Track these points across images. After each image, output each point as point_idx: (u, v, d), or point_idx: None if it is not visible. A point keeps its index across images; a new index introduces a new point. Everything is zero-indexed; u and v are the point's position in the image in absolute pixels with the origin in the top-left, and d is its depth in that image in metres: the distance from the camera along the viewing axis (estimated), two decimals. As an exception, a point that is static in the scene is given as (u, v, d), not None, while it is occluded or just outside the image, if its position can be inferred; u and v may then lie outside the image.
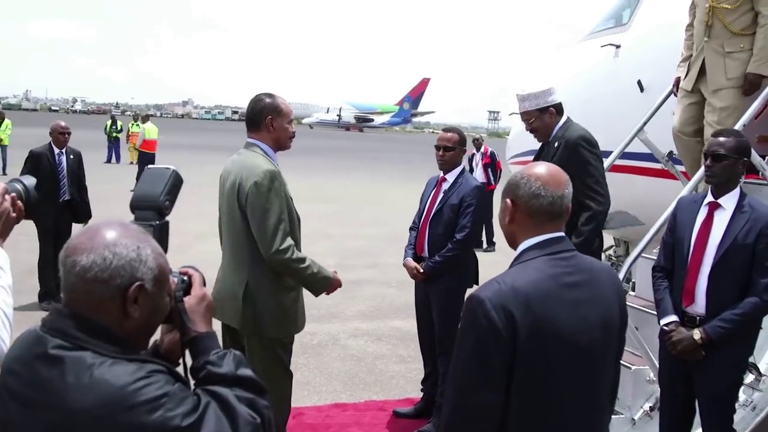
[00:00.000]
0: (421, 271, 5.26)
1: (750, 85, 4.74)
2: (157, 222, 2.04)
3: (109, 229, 1.66)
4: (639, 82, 6.04)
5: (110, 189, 15.76)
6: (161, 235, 1.99)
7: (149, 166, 2.33)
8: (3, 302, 2.14)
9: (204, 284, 1.89)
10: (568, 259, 2.20)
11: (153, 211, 2.06)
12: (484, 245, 12.91)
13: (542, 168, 2.25)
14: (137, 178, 19.23)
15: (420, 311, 5.51)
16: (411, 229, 5.54)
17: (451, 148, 5.30)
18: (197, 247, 11.01)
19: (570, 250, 2.24)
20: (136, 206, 2.09)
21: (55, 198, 8.01)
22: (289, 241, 3.79)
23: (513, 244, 2.28)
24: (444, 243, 5.18)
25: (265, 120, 3.91)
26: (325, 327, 7.72)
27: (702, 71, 4.95)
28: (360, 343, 7.37)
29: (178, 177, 2.17)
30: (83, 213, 8.28)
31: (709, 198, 3.87)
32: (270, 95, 3.98)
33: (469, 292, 5.35)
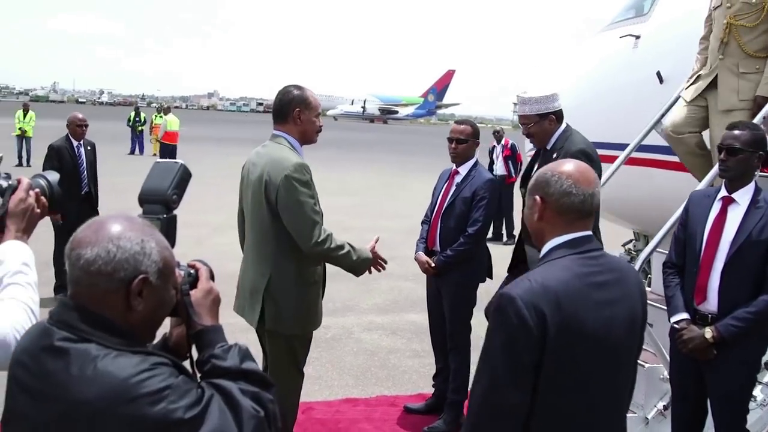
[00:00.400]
0: (433, 265, 5.19)
1: (758, 108, 4.53)
2: (165, 215, 2.05)
3: (114, 222, 1.66)
4: (658, 74, 5.91)
5: (130, 181, 15.73)
6: (168, 229, 2.01)
7: (158, 160, 2.35)
8: (30, 300, 2.12)
9: (212, 278, 1.89)
10: (596, 258, 2.19)
11: (161, 204, 2.07)
12: (504, 238, 12.81)
13: (572, 165, 2.25)
14: (159, 170, 19.37)
15: (432, 306, 5.45)
16: (423, 222, 5.47)
17: (464, 141, 5.21)
18: (215, 239, 11.02)
19: (598, 249, 2.24)
20: (144, 200, 2.10)
21: (77, 191, 8.05)
22: (326, 231, 3.78)
23: (540, 241, 2.27)
24: (456, 237, 5.10)
25: (293, 112, 3.87)
26: (339, 320, 7.68)
27: (711, 86, 4.76)
28: (374, 337, 7.32)
29: (186, 171, 2.17)
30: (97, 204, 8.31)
31: (723, 192, 3.74)
32: (299, 87, 3.94)
33: (481, 287, 5.32)
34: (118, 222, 1.66)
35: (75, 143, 8.21)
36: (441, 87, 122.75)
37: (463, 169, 5.25)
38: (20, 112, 22.82)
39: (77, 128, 8.23)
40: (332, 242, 3.79)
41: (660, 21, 6.21)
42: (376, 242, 4.12)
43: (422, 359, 6.58)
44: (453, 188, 5.25)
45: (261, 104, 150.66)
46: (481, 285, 5.25)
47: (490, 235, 5.02)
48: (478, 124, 5.50)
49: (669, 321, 3.80)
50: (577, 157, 4.13)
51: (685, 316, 3.71)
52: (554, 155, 4.23)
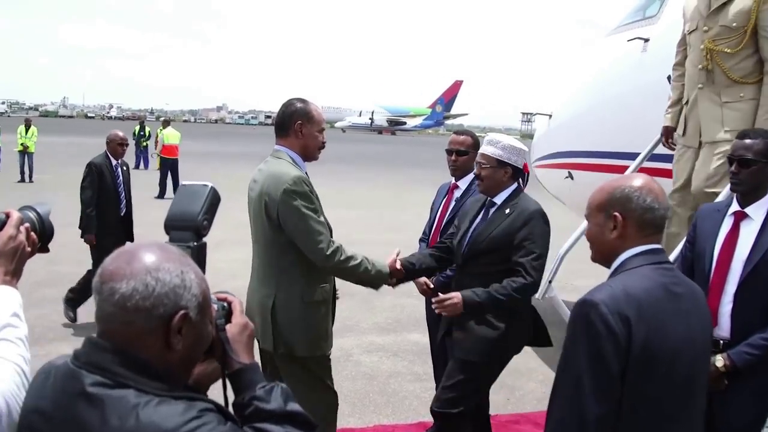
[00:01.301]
0: (431, 286, 4.87)
1: None
2: (195, 243, 1.90)
3: (147, 251, 1.51)
4: (669, 78, 5.57)
5: (134, 195, 15.59)
6: (199, 258, 1.86)
7: (184, 182, 2.11)
8: (20, 357, 1.79)
9: (243, 311, 1.78)
10: (671, 270, 2.19)
11: (190, 231, 1.93)
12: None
13: (647, 180, 2.23)
14: (159, 184, 19.08)
15: (432, 328, 5.13)
16: (421, 240, 5.16)
17: (464, 152, 4.89)
18: (212, 255, 10.60)
19: (669, 262, 2.23)
20: (171, 226, 1.95)
21: (116, 213, 7.70)
22: (335, 243, 3.62)
23: (609, 259, 2.23)
24: (455, 255, 4.77)
25: (295, 125, 3.72)
26: (338, 342, 7.25)
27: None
28: (374, 360, 6.99)
29: (216, 195, 2.03)
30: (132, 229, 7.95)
31: (735, 207, 3.40)
32: (302, 100, 3.77)
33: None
34: (152, 251, 1.50)
35: (114, 162, 7.84)
36: (449, 97, 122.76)
37: (463, 183, 4.93)
38: (22, 128, 22.50)
39: (118, 147, 7.88)
40: (343, 253, 3.66)
41: (670, 23, 5.89)
42: (397, 255, 4.00)
43: (424, 383, 6.24)
44: (452, 203, 4.94)
45: (269, 117, 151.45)
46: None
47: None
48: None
49: None
50: (536, 217, 3.97)
51: None
52: (507, 210, 4.03)
